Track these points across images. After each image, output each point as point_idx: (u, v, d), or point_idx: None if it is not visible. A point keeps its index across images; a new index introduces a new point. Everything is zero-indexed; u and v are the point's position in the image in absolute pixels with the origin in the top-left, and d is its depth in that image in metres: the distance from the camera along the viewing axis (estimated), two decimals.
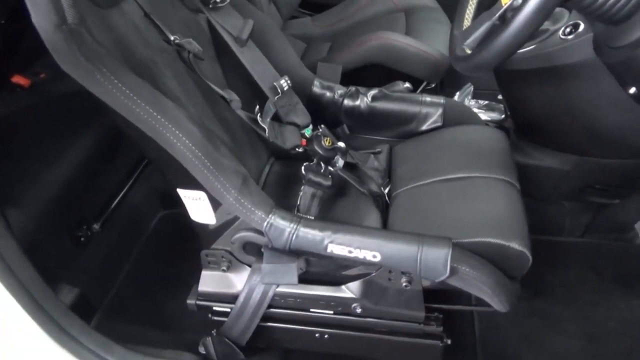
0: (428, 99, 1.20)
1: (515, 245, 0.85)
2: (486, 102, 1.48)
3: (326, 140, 1.05)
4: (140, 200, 1.51)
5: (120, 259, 1.42)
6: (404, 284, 0.89)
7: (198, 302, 1.02)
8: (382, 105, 1.21)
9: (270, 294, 0.94)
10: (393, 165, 1.17)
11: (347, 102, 1.22)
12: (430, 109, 1.20)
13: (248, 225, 0.89)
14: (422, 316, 0.92)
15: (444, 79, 1.66)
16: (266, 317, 0.98)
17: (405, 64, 1.49)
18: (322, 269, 0.92)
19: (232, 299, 0.98)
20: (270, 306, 0.96)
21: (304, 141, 1.06)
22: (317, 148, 1.04)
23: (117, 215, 1.39)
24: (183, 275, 1.16)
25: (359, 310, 0.93)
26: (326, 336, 1.00)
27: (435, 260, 0.80)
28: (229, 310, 0.99)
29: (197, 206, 0.91)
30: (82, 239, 1.26)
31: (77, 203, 1.26)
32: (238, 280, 0.97)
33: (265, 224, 0.84)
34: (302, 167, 1.00)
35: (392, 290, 0.91)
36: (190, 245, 1.01)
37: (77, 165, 1.23)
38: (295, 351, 1.09)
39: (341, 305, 0.94)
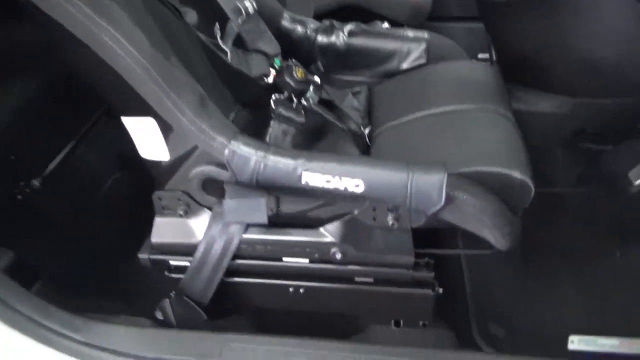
0: (410, 33, 1.09)
1: (516, 174, 0.75)
2: None
3: (298, 71, 0.92)
4: (92, 158, 1.35)
5: (67, 222, 1.26)
6: (391, 222, 0.77)
7: (152, 257, 0.88)
8: (360, 41, 1.10)
9: (235, 241, 0.81)
10: (373, 105, 1.05)
11: (321, 38, 1.10)
12: (412, 45, 1.09)
13: (208, 158, 0.76)
14: (412, 261, 0.80)
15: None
16: (231, 271, 0.85)
17: (384, 4, 1.38)
18: (295, 210, 0.80)
19: (191, 250, 0.84)
20: (235, 257, 0.83)
21: (273, 73, 0.93)
22: (287, 79, 0.91)
23: (64, 173, 1.22)
24: (139, 241, 1.02)
25: (338, 257, 0.81)
26: (302, 290, 0.88)
27: (428, 186, 0.68)
28: (188, 264, 0.86)
29: (147, 137, 0.77)
30: (18, 196, 1.09)
31: (13, 155, 1.10)
32: (198, 228, 0.84)
33: (227, 151, 0.71)
34: (272, 101, 0.87)
35: (377, 232, 0.79)
36: (148, 210, 0.88)
37: (14, 111, 1.07)
38: (267, 311, 0.96)
39: (318, 251, 0.81)
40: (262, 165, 0.71)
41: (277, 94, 0.88)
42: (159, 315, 0.93)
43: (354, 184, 0.70)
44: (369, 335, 0.92)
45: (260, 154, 0.71)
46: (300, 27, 1.09)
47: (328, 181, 0.70)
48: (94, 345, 0.82)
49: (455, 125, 0.86)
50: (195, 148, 0.76)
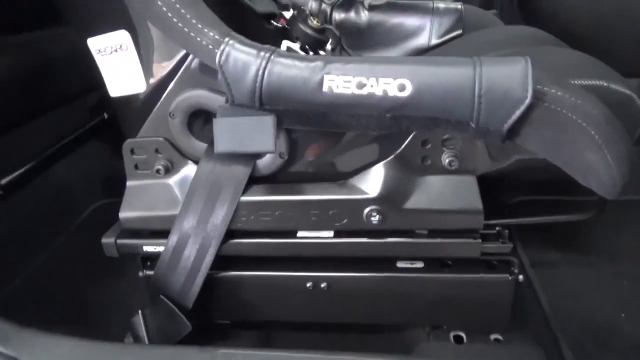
0: (442, 5, 0.94)
1: (617, 86, 0.54)
2: None
3: (314, 19, 0.76)
4: (73, 179, 1.16)
5: (34, 241, 1.04)
6: (448, 161, 0.55)
7: (120, 241, 0.64)
8: (382, 17, 0.95)
9: (229, 206, 0.58)
10: None
11: (337, 14, 0.95)
12: (444, 19, 0.93)
13: (195, 79, 0.56)
14: (480, 221, 0.56)
15: None
16: (224, 260, 0.62)
17: None
18: (313, 152, 0.58)
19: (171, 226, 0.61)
20: (230, 234, 0.60)
21: (282, 20, 0.77)
22: (302, 27, 0.74)
23: (36, 188, 1.03)
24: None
25: (376, 220, 0.57)
26: (324, 286, 0.63)
27: (505, 78, 0.47)
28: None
29: (119, 64, 0.59)
30: None
31: None
32: (183, 192, 0.62)
33: (220, 52, 0.51)
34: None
35: (428, 180, 0.57)
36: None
37: None
38: (275, 325, 0.70)
39: (348, 215, 0.58)
40: (267, 73, 0.51)
41: (289, 42, 0.71)
42: (128, 340, 0.68)
43: (397, 86, 0.49)
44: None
45: (265, 55, 0.51)
46: (314, 1, 0.95)
47: (361, 85, 0.49)
48: None
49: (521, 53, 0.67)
50: (178, 67, 0.57)
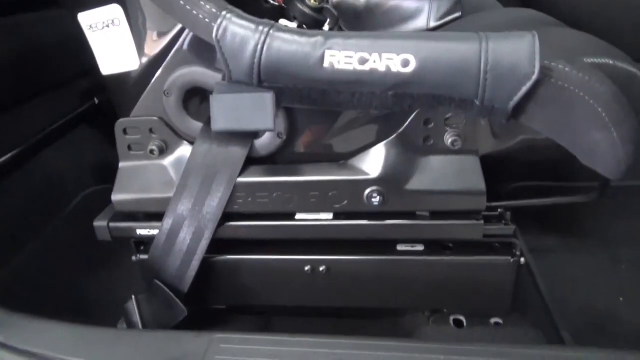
0: None
1: (623, 64, 0.53)
2: None
3: None
4: (63, 165, 1.13)
5: (24, 229, 1.01)
6: (451, 141, 0.54)
7: (112, 224, 0.63)
8: None
9: (226, 187, 0.57)
10: None
11: None
12: (442, 1, 0.92)
13: (191, 55, 0.55)
14: (483, 202, 0.55)
15: None
16: (220, 243, 0.60)
17: None
18: (313, 131, 0.57)
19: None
20: (226, 217, 0.58)
21: None
22: (299, 5, 0.72)
23: (26, 174, 1.01)
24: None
25: (376, 201, 0.56)
26: (322, 269, 0.61)
27: (511, 53, 0.46)
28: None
29: (110, 40, 0.56)
30: None
31: None
32: (178, 174, 0.60)
33: (217, 26, 0.49)
34: None
35: (430, 160, 0.55)
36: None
37: None
38: (274, 310, 0.69)
39: (348, 196, 0.57)
40: (265, 47, 0.49)
41: (286, 21, 0.69)
42: (121, 325, 0.66)
43: (400, 61, 0.47)
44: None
45: (263, 29, 0.50)
46: None
47: (363, 60, 0.48)
48: (14, 347, 0.55)
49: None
50: (173, 42, 0.55)
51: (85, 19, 0.57)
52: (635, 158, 0.50)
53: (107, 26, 0.56)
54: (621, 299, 0.76)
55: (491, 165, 0.57)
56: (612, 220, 0.93)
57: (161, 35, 0.55)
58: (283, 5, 0.73)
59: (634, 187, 1.03)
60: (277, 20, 0.67)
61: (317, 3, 0.74)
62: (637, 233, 0.90)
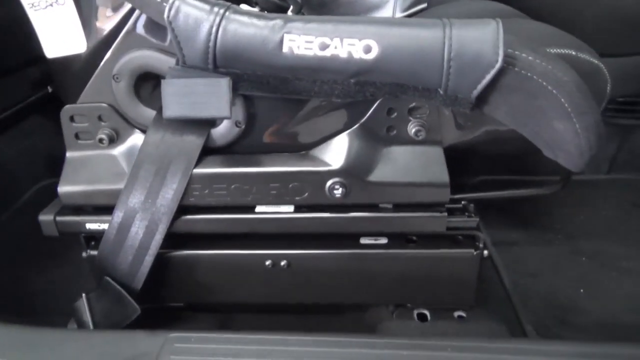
0: None
1: (586, 55, 0.53)
2: None
3: None
4: (13, 156, 1.07)
5: None
6: (414, 131, 0.52)
7: (59, 218, 0.59)
8: None
9: (181, 178, 0.54)
10: None
11: None
12: None
13: (143, 37, 0.51)
14: (447, 194, 0.54)
15: None
16: (175, 237, 0.57)
17: None
18: (271, 118, 0.54)
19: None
20: (181, 210, 0.56)
21: None
22: None
23: None
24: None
25: (338, 193, 0.54)
26: (284, 263, 0.59)
27: (475, 40, 0.45)
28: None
29: (55, 20, 0.53)
30: None
31: None
32: (128, 165, 0.57)
33: (169, 7, 0.46)
34: None
35: (393, 150, 0.54)
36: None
37: None
38: (234, 308, 0.66)
39: (309, 188, 0.54)
40: (220, 29, 0.47)
41: (246, 7, 0.66)
42: (71, 325, 0.63)
43: (362, 47, 0.46)
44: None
45: (219, 10, 0.47)
46: None
47: (323, 45, 0.46)
48: None
49: None
50: (123, 23, 0.51)
51: None
52: (596, 150, 0.50)
53: (51, 5, 0.52)
54: (582, 290, 0.76)
55: (455, 157, 0.56)
56: (574, 213, 0.95)
57: (109, 15, 0.51)
58: None
59: (595, 180, 1.05)
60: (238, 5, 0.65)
61: None
62: (597, 226, 0.92)
